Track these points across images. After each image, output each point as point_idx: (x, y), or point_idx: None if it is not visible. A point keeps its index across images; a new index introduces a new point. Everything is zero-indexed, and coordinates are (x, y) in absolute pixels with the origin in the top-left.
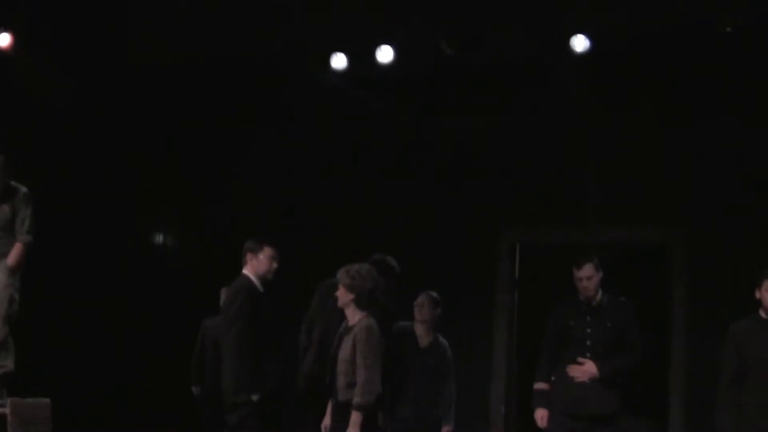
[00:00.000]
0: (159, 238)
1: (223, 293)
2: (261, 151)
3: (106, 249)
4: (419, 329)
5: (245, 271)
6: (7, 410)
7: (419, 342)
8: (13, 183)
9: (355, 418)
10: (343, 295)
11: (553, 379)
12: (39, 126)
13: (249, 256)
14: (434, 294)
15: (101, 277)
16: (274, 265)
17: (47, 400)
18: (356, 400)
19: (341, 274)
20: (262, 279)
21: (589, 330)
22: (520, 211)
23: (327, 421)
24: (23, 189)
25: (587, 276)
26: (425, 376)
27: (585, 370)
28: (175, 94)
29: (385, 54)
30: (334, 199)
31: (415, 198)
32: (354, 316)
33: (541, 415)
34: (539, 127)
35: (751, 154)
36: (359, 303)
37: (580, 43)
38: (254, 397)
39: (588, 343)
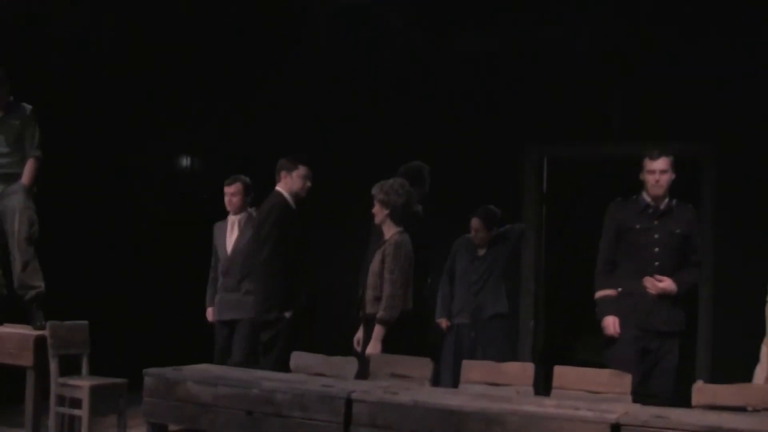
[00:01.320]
0: (186, 161)
1: (253, 212)
2: (287, 71)
3: (134, 172)
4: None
5: (279, 188)
6: (46, 332)
7: (477, 251)
8: (15, 101)
9: (378, 331)
10: (378, 212)
11: (619, 289)
12: (61, 45)
13: (283, 174)
14: (486, 213)
15: (130, 200)
16: (308, 183)
17: (85, 323)
18: (379, 314)
19: (375, 190)
20: (295, 197)
21: (656, 236)
22: (547, 126)
23: (359, 334)
24: (28, 106)
25: (662, 169)
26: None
27: (663, 287)
28: (201, 14)
29: None
30: (360, 117)
31: (442, 114)
32: (389, 230)
33: (612, 322)
34: (567, 41)
35: None
36: (394, 218)
37: None
38: (287, 314)
39: (656, 250)
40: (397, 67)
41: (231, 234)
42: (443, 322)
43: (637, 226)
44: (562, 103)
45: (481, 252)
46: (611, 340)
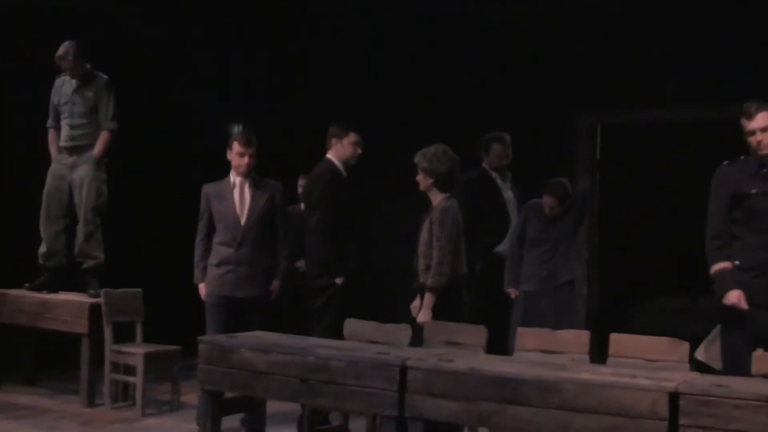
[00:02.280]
0: (238, 129)
1: (301, 180)
2: (335, 38)
3: (188, 141)
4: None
5: (329, 155)
6: (101, 300)
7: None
8: (92, 70)
9: (428, 299)
10: (422, 180)
11: (737, 263)
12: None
13: (333, 141)
14: (558, 189)
15: (184, 170)
16: (358, 150)
17: (139, 290)
18: (428, 281)
19: (418, 159)
20: (346, 164)
21: None
22: (600, 92)
23: (416, 303)
24: (103, 76)
25: (761, 127)
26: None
27: None
28: None
29: None
30: (412, 84)
31: (494, 80)
32: (435, 198)
33: (737, 296)
34: (619, 4)
35: None
36: (439, 185)
37: None
38: (338, 280)
39: None
40: (447, 34)
41: (241, 199)
42: (512, 292)
43: (753, 191)
44: (614, 68)
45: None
46: (731, 317)
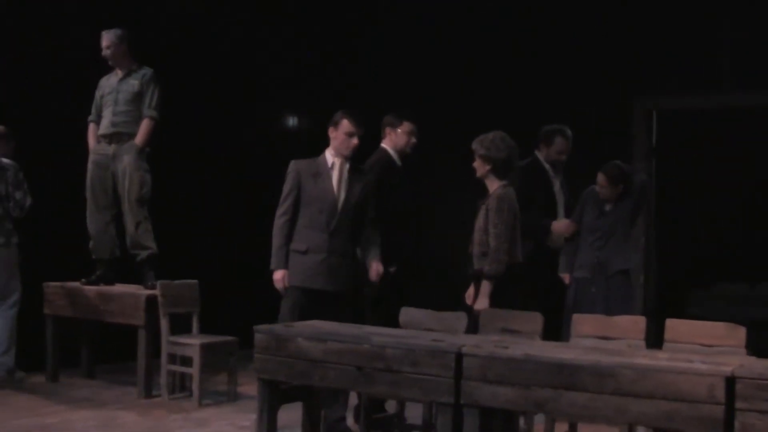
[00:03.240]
0: (293, 120)
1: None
2: (390, 27)
3: (236, 133)
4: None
5: (383, 144)
6: (157, 291)
7: (605, 206)
8: (138, 62)
9: (484, 287)
10: (480, 167)
11: None
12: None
13: (387, 130)
14: (611, 168)
15: (239, 159)
16: (413, 140)
17: (195, 282)
18: (485, 268)
19: (476, 145)
20: (400, 153)
21: None
22: (657, 77)
23: (470, 290)
24: (149, 69)
25: None
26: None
27: None
28: None
29: None
30: (469, 72)
31: (549, 66)
32: (492, 185)
33: None
34: None
35: None
36: (496, 172)
37: None
38: (391, 269)
39: None
40: (502, 20)
41: (340, 181)
42: (566, 277)
43: None
44: (671, 54)
45: (608, 207)
46: None
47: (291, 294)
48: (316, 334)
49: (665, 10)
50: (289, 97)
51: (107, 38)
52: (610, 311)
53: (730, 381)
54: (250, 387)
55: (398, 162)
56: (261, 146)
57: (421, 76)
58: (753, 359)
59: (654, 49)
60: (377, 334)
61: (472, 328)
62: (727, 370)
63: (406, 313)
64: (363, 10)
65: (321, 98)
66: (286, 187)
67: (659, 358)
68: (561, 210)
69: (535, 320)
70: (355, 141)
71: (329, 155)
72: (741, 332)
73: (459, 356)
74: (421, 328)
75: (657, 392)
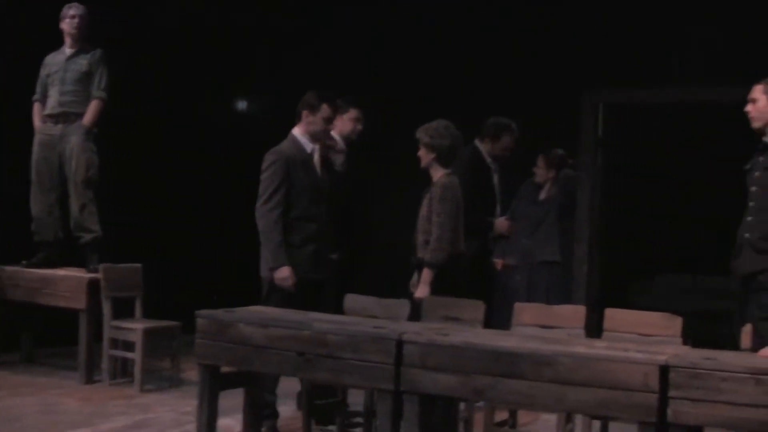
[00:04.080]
0: (243, 105)
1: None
2: (346, 13)
3: (191, 116)
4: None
5: (295, 131)
6: (99, 275)
7: (538, 195)
8: (89, 41)
9: (425, 275)
10: (424, 155)
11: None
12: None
13: (305, 113)
14: (549, 152)
15: (185, 146)
16: (359, 126)
17: (138, 265)
18: (426, 257)
19: (420, 133)
20: (346, 140)
21: (756, 173)
22: (603, 71)
23: (414, 278)
24: (98, 49)
25: (750, 98)
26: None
27: None
28: None
29: None
30: (413, 61)
31: (497, 58)
32: (436, 173)
33: None
34: None
35: None
36: (441, 161)
37: None
38: (334, 256)
39: (753, 189)
40: (450, 11)
41: (321, 168)
42: (498, 263)
43: (747, 166)
44: (619, 47)
45: (542, 196)
46: None
47: (294, 288)
48: (257, 320)
49: (614, 4)
50: (239, 82)
51: (79, 9)
52: (531, 300)
53: (664, 369)
54: (193, 372)
55: (344, 148)
56: (208, 129)
57: (372, 62)
58: (687, 348)
59: (602, 42)
60: (319, 320)
61: (415, 315)
62: (662, 359)
63: (350, 300)
64: None
65: (270, 83)
66: (275, 179)
67: (597, 347)
68: (499, 204)
69: (476, 308)
70: (330, 126)
71: (305, 141)
72: (677, 322)
73: (399, 343)
74: (364, 315)
75: (594, 380)
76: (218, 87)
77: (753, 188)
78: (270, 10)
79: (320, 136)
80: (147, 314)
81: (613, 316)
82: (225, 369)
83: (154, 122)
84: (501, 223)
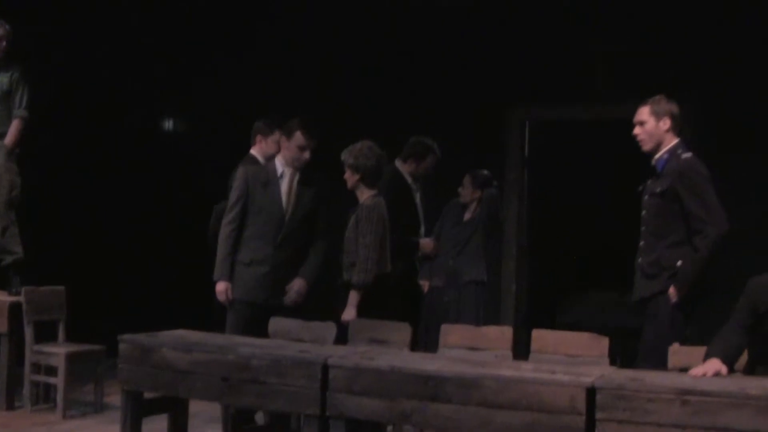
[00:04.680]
0: (169, 124)
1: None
2: (272, 30)
3: (115, 135)
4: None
5: (252, 151)
6: (21, 298)
7: (463, 215)
8: (7, 58)
9: (352, 297)
10: (350, 177)
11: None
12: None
13: (259, 137)
14: (474, 171)
15: (111, 163)
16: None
17: (62, 288)
18: (353, 278)
19: (345, 155)
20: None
21: (646, 197)
22: (529, 88)
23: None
24: (18, 67)
25: (637, 120)
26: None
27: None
28: None
29: None
30: (340, 80)
31: (423, 77)
32: (362, 195)
33: None
34: (546, 1)
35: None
36: (366, 182)
37: None
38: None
39: (643, 213)
40: (377, 28)
41: (289, 192)
42: (425, 285)
43: (640, 188)
44: (544, 65)
45: (467, 216)
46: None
47: (236, 308)
48: (181, 344)
49: (538, 22)
50: (168, 99)
51: (4, 29)
52: (460, 321)
53: (591, 391)
54: (117, 397)
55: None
56: (136, 149)
57: (295, 83)
58: (614, 369)
59: (527, 60)
60: (244, 344)
61: (342, 338)
62: (588, 380)
63: (275, 323)
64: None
65: (199, 102)
66: (234, 195)
67: (523, 369)
68: (422, 224)
69: (403, 330)
70: (307, 155)
71: (279, 164)
72: (604, 342)
73: (325, 367)
74: (290, 339)
75: (520, 403)
76: (146, 105)
77: (644, 212)
78: (199, 28)
79: (293, 163)
80: (71, 338)
81: (540, 336)
82: (149, 394)
83: (79, 141)
84: (426, 243)
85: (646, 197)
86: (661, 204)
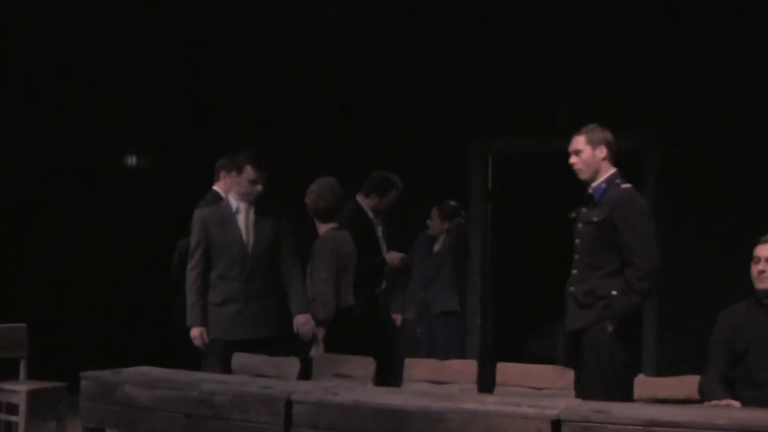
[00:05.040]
0: (132, 160)
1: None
2: (233, 68)
3: (76, 171)
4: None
5: (215, 187)
6: None
7: (433, 247)
8: None
9: (317, 332)
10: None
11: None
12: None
13: (223, 174)
14: (442, 203)
15: (72, 201)
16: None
17: (23, 325)
18: (315, 314)
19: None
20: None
21: (580, 225)
22: (492, 121)
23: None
24: None
25: (573, 150)
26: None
27: None
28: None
29: None
30: (306, 111)
31: (384, 109)
32: (320, 229)
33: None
34: (510, 35)
35: (730, 63)
36: (319, 217)
37: None
38: None
39: (577, 242)
40: (338, 61)
41: (247, 226)
42: (398, 318)
43: (573, 215)
44: (506, 99)
45: (436, 248)
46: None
47: (213, 348)
48: (144, 381)
49: (500, 57)
50: (129, 136)
51: None
52: (433, 353)
53: (556, 424)
54: None
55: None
56: (97, 183)
57: (255, 116)
58: (579, 401)
59: (490, 94)
60: (207, 380)
61: (306, 373)
62: (554, 413)
63: (239, 359)
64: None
65: (160, 136)
66: (194, 239)
67: (488, 403)
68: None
69: (367, 365)
70: (259, 188)
71: (233, 200)
72: (569, 374)
73: (288, 403)
74: (253, 374)
75: None
76: (105, 142)
77: (578, 240)
78: (157, 64)
79: (246, 198)
80: (33, 375)
81: (505, 369)
82: None
83: (38, 176)
84: (393, 257)
85: (580, 225)
86: (597, 233)
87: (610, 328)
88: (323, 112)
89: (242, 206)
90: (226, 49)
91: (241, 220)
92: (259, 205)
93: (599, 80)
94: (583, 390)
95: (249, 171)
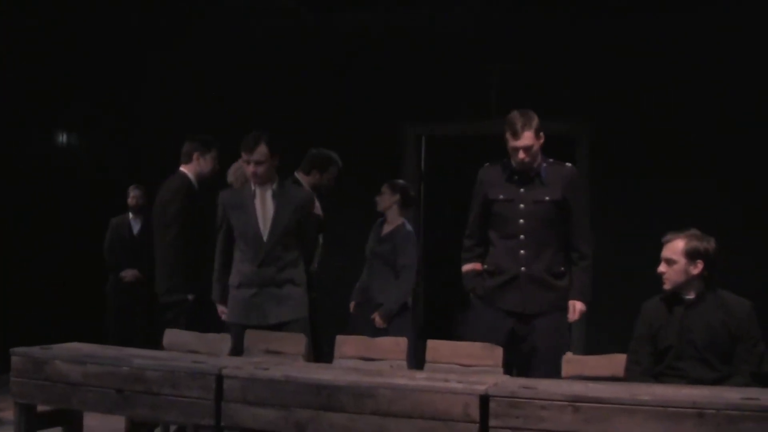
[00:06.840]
0: (62, 138)
1: (133, 191)
2: (167, 49)
3: (5, 146)
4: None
5: (184, 169)
6: None
7: (382, 231)
8: None
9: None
10: None
11: (486, 267)
12: None
13: (196, 155)
14: (395, 182)
15: (5, 176)
16: (217, 167)
17: None
18: None
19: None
20: (200, 178)
21: (522, 206)
22: (424, 104)
23: None
24: None
25: (525, 146)
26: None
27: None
28: None
29: None
30: (238, 96)
31: (318, 93)
32: None
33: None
34: (443, 19)
35: (661, 48)
36: None
37: None
38: (190, 297)
39: (521, 222)
40: (273, 44)
41: (264, 211)
42: (352, 305)
43: (501, 197)
44: (439, 82)
45: (384, 231)
46: (480, 320)
47: (231, 331)
48: (75, 357)
49: (434, 41)
50: (60, 114)
51: None
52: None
53: (484, 399)
54: (10, 412)
55: (196, 187)
56: (31, 162)
57: (192, 99)
58: (507, 378)
59: (424, 76)
60: (138, 356)
61: (237, 350)
62: (482, 388)
63: (171, 335)
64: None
65: (97, 115)
66: (218, 220)
67: (417, 378)
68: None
69: (298, 342)
70: (251, 168)
71: (252, 183)
72: (498, 352)
73: (219, 378)
74: (185, 350)
75: (414, 411)
76: (38, 119)
77: (521, 221)
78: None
79: (252, 179)
80: None
81: (434, 347)
82: (42, 408)
83: None
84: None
85: (522, 206)
86: (550, 212)
87: (580, 308)
88: (259, 92)
89: (258, 190)
90: (159, 30)
91: (258, 204)
92: (282, 188)
93: (531, 64)
94: (536, 369)
95: (242, 153)
